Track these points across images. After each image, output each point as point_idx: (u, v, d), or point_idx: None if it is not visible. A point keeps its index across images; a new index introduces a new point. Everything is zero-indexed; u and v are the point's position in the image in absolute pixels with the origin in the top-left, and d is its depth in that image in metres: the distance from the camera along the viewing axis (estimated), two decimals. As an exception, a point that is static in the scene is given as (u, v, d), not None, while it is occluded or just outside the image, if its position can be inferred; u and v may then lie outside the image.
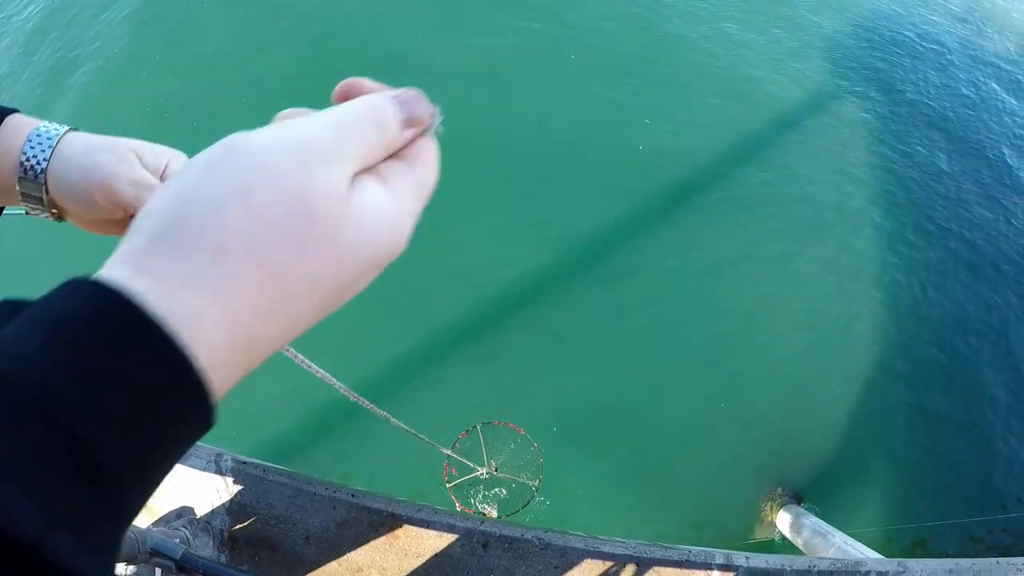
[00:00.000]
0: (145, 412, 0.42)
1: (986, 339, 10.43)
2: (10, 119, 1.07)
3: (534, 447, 7.11)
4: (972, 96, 13.99)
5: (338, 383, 2.34)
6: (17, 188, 1.08)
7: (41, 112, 1.13)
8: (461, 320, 9.37)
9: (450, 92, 11.46)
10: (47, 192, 1.08)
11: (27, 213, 1.14)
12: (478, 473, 6.25)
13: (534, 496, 6.58)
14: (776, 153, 11.83)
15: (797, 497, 8.65)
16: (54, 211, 1.12)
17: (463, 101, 11.39)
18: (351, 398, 2.47)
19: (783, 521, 8.30)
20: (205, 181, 0.49)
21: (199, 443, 3.36)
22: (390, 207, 0.56)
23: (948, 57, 14.83)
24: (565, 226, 10.27)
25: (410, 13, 12.73)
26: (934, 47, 14.93)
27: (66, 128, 1.11)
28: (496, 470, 6.70)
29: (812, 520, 7.95)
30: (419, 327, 9.19)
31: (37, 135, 1.08)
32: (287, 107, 0.63)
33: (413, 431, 3.06)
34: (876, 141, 12.58)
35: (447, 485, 6.30)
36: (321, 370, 2.15)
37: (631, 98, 12.03)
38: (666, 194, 10.87)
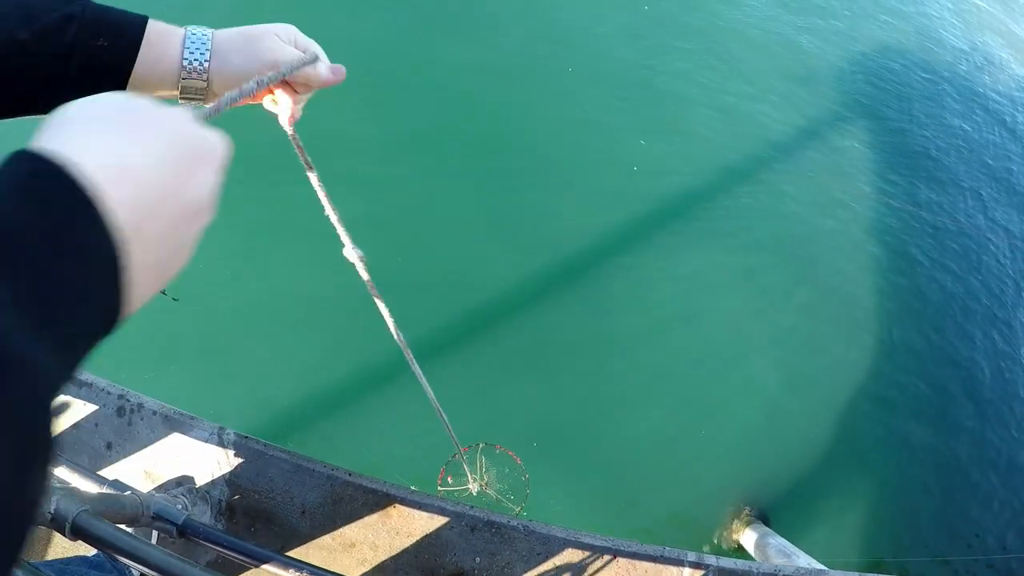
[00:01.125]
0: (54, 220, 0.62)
1: (964, 371, 10.69)
2: (151, 27, 1.25)
3: (525, 478, 7.33)
4: (967, 133, 14.34)
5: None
6: (179, 89, 1.28)
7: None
8: (444, 325, 9.44)
9: (444, 96, 11.61)
10: (209, 86, 1.29)
11: (180, 101, 1.34)
12: (470, 486, 6.40)
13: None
14: (767, 176, 12.06)
15: (763, 517, 8.75)
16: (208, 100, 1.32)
17: (455, 106, 11.52)
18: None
19: (748, 539, 8.40)
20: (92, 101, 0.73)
21: (202, 417, 3.48)
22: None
23: (951, 94, 15.18)
24: (550, 239, 10.35)
25: (405, 19, 12.80)
26: (935, 82, 15.28)
27: (211, 30, 1.33)
28: (486, 488, 6.92)
29: (778, 540, 8.07)
30: (403, 328, 9.24)
31: (191, 40, 1.28)
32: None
33: (447, 423, 3.23)
34: (868, 170, 12.85)
35: (439, 489, 6.50)
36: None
37: (628, 116, 12.20)
38: (651, 210, 11.01)
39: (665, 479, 8.85)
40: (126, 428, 3.52)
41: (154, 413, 3.54)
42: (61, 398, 3.57)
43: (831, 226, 11.72)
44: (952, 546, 9.24)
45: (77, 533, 2.09)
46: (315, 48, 1.40)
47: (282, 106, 1.45)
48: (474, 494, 6.73)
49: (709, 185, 11.63)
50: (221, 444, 3.45)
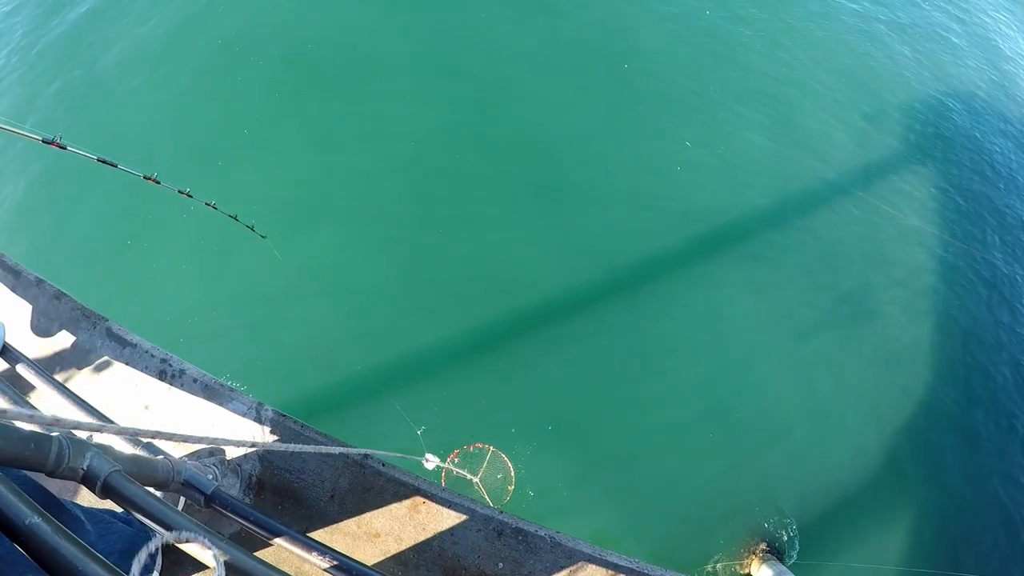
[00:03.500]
0: None
1: (994, 401, 10.47)
2: None
3: (510, 489, 7.85)
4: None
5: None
6: None
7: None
8: (481, 323, 9.50)
9: (489, 95, 11.68)
10: None
11: None
12: (470, 476, 7.47)
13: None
14: (810, 198, 11.96)
15: (778, 553, 8.62)
16: None
17: (501, 104, 11.60)
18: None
19: (763, 575, 8.29)
20: None
21: (242, 391, 3.46)
22: None
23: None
24: (589, 240, 10.42)
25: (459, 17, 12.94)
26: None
27: None
28: (480, 482, 7.53)
29: (794, 577, 7.95)
30: (439, 324, 9.36)
31: None
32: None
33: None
34: (918, 204, 12.71)
35: (444, 464, 6.88)
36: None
37: (676, 120, 12.21)
38: (690, 222, 11.01)
39: (682, 503, 8.81)
40: (166, 392, 3.51)
41: (195, 380, 3.54)
42: (104, 356, 3.59)
43: (869, 249, 11.60)
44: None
45: (107, 492, 2.07)
46: None
47: None
48: (469, 480, 7.55)
49: (750, 199, 11.61)
50: (258, 420, 3.43)
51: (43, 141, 3.50)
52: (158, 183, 4.08)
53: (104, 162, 3.76)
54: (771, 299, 10.52)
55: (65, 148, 3.55)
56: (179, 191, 4.23)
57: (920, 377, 10.45)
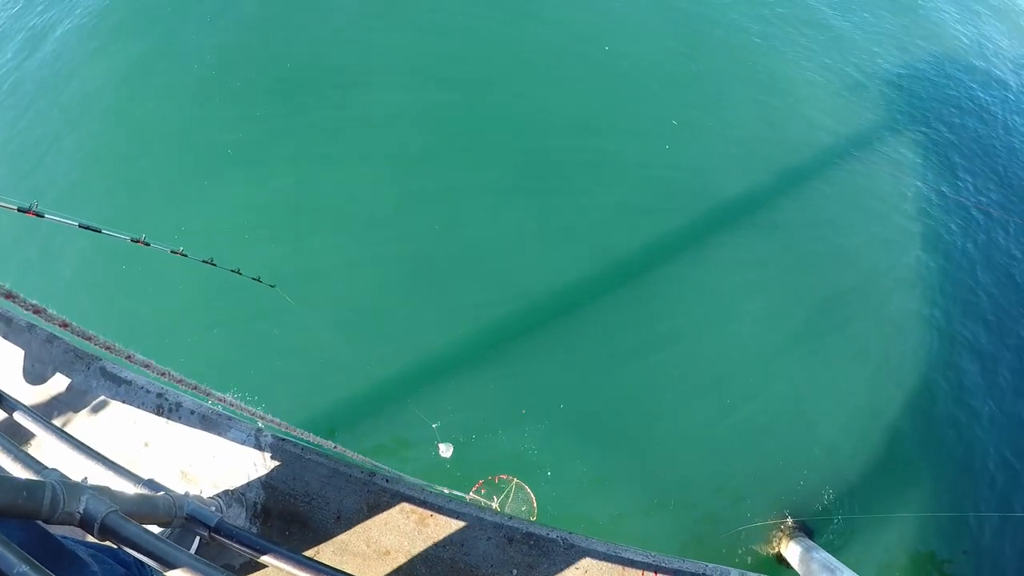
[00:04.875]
0: None
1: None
2: None
3: (532, 520, 7.71)
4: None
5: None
6: None
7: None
8: (483, 316, 9.52)
9: (472, 89, 11.71)
10: None
11: None
12: (494, 506, 7.14)
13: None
14: (804, 176, 11.95)
15: (808, 531, 8.58)
16: None
17: (485, 98, 11.62)
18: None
19: (792, 553, 8.25)
20: None
21: (240, 418, 3.44)
22: None
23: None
24: (583, 227, 10.44)
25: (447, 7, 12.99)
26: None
27: None
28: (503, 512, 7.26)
29: (822, 555, 7.89)
30: (443, 322, 9.39)
31: None
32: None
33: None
34: (912, 169, 12.70)
35: (471, 492, 7.34)
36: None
37: (663, 99, 12.25)
38: (690, 205, 11.02)
39: (710, 485, 8.79)
40: (164, 427, 3.49)
41: (192, 412, 3.52)
42: (100, 396, 3.56)
43: (874, 229, 11.57)
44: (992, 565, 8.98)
45: (106, 533, 2.05)
46: None
47: None
48: (491, 507, 7.26)
49: (742, 173, 11.63)
50: (258, 446, 3.41)
51: (19, 210, 3.43)
52: (147, 244, 4.00)
53: (86, 228, 3.69)
54: (774, 274, 10.51)
55: (43, 216, 3.48)
56: (172, 251, 4.16)
57: (931, 343, 10.42)
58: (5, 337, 3.85)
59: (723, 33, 13.81)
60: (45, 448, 3.40)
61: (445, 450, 7.60)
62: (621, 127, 11.73)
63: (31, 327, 3.89)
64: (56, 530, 3.05)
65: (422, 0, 12.94)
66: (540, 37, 12.71)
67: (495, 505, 7.68)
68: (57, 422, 3.59)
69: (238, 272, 4.85)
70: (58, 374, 3.72)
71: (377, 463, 3.41)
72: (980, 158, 13.40)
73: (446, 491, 4.26)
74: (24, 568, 1.41)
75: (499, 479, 8.03)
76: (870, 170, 12.30)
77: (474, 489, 7.85)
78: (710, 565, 3.59)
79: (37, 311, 2.54)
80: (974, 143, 13.69)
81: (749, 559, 8.42)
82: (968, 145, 13.59)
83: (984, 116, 14.43)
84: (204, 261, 4.31)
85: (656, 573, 3.44)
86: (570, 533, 3.39)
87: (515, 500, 7.89)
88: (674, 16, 13.73)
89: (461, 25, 12.65)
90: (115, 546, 2.56)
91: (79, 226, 3.57)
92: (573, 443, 8.57)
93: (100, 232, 3.69)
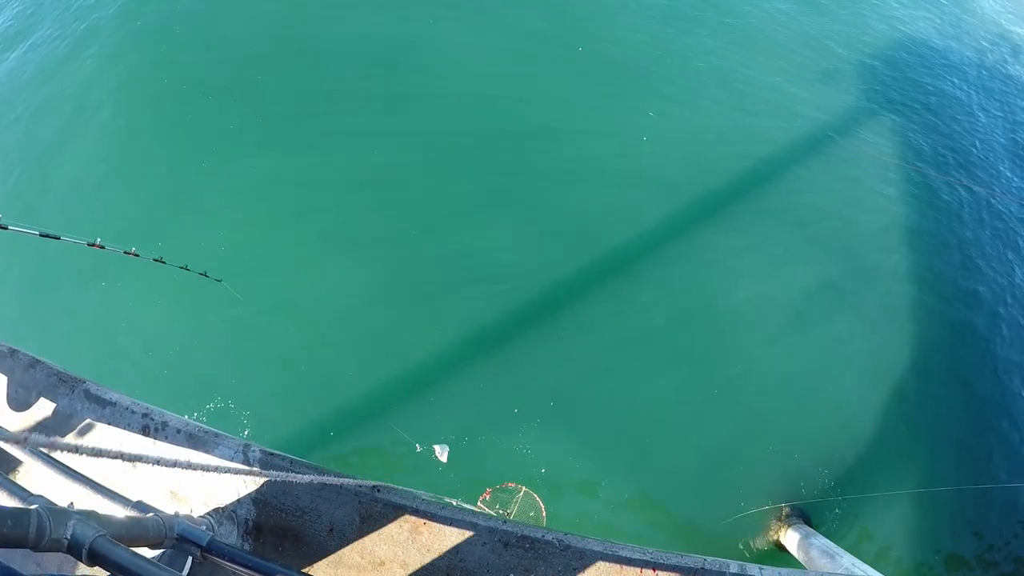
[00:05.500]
0: None
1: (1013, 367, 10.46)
2: None
3: (543, 515, 8.01)
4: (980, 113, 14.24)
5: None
6: None
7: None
8: (470, 317, 9.52)
9: (455, 91, 11.71)
10: None
11: None
12: (502, 513, 7.64)
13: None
14: (785, 162, 12.02)
15: (805, 517, 8.60)
16: None
17: (462, 102, 11.62)
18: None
19: (791, 540, 8.26)
20: None
21: (227, 434, 3.41)
22: None
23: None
24: (566, 223, 10.44)
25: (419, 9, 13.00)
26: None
27: None
28: (509, 517, 7.63)
29: (821, 540, 7.91)
30: (430, 326, 9.38)
31: None
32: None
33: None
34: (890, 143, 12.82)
35: (477, 505, 7.45)
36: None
37: (638, 93, 12.30)
38: (672, 196, 11.06)
39: (706, 476, 8.81)
40: (151, 447, 3.46)
41: (178, 431, 3.48)
42: (86, 418, 3.53)
43: (857, 211, 11.66)
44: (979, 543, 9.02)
45: (94, 559, 2.02)
46: None
47: None
48: (500, 514, 7.67)
49: (718, 162, 11.68)
50: (246, 462, 3.38)
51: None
52: (103, 248, 4.01)
53: (47, 236, 3.67)
54: (760, 261, 10.54)
55: (7, 228, 3.47)
56: (125, 252, 4.16)
57: (920, 322, 10.48)
58: (-13, 364, 3.81)
59: (697, 24, 13.85)
60: (32, 475, 3.37)
61: (441, 452, 7.61)
62: (599, 120, 11.74)
63: (13, 352, 3.85)
64: (46, 558, 3.02)
65: (390, 11, 12.89)
66: (514, 41, 12.71)
67: (505, 515, 7.73)
68: (44, 448, 3.55)
69: (185, 268, 4.85)
70: (42, 399, 3.68)
71: (363, 480, 3.38)
72: (959, 136, 13.52)
73: (455, 503, 4.26)
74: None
75: (507, 487, 8.04)
76: (851, 154, 12.36)
77: (482, 498, 7.86)
78: (708, 559, 3.59)
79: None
80: (951, 121, 13.82)
81: (749, 550, 8.44)
82: (946, 123, 13.71)
83: (958, 95, 14.56)
84: (155, 260, 4.31)
85: (655, 570, 3.43)
86: (566, 534, 3.38)
87: (523, 507, 7.91)
88: (646, 11, 13.76)
89: (431, 37, 12.65)
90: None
91: (40, 235, 3.57)
92: (565, 440, 8.59)
93: (60, 239, 3.68)
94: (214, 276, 5.32)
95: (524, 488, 7.99)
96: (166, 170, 10.55)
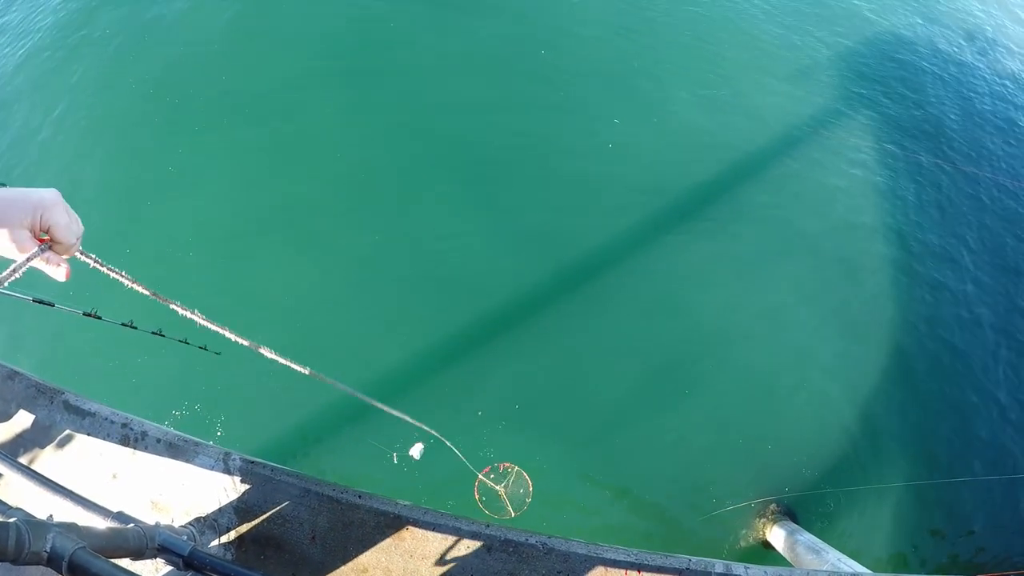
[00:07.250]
0: None
1: (996, 360, 10.53)
2: None
3: (527, 501, 8.42)
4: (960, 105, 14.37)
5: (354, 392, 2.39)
6: None
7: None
8: (441, 324, 9.55)
9: (414, 100, 11.70)
10: None
11: None
12: (498, 487, 8.34)
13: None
14: (754, 163, 12.09)
15: (791, 514, 8.65)
16: None
17: (426, 108, 11.64)
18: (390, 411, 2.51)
19: (776, 537, 8.31)
20: None
21: (207, 442, 3.39)
22: None
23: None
24: (535, 231, 10.49)
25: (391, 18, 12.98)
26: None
27: None
28: (504, 492, 8.35)
29: (807, 536, 7.96)
30: (403, 333, 9.40)
31: None
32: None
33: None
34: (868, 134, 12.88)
35: (479, 475, 8.20)
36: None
37: (603, 99, 12.29)
38: (641, 200, 11.11)
39: (689, 475, 8.88)
40: (130, 457, 3.44)
41: (158, 441, 3.46)
42: (65, 430, 3.50)
43: (836, 207, 11.73)
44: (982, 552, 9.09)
45: (74, 572, 2.01)
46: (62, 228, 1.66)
47: (52, 272, 1.71)
48: (497, 490, 8.33)
49: (693, 170, 11.75)
50: (227, 471, 3.36)
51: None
52: (99, 318, 3.94)
53: (40, 302, 3.61)
54: (727, 258, 10.62)
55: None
56: (122, 324, 4.12)
57: (904, 311, 10.56)
58: (-35, 377, 3.78)
59: (660, 28, 13.91)
60: (12, 487, 3.34)
61: (415, 450, 7.86)
62: (562, 129, 11.78)
63: (-9, 365, 3.82)
64: (27, 571, 3.00)
65: (350, 16, 12.90)
66: (473, 47, 12.73)
67: (500, 488, 8.32)
68: (23, 460, 3.52)
69: (185, 342, 4.72)
70: (22, 411, 3.65)
71: (346, 487, 3.38)
72: (938, 119, 13.69)
73: (426, 508, 4.25)
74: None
75: (504, 467, 8.57)
76: (824, 150, 12.46)
77: (483, 473, 8.38)
78: (693, 559, 3.59)
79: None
80: (927, 105, 13.97)
81: (736, 548, 8.47)
82: (921, 107, 13.87)
83: (930, 85, 14.71)
84: (154, 333, 4.24)
85: (639, 572, 3.44)
86: (549, 537, 3.38)
87: (516, 483, 8.47)
88: (608, 17, 13.82)
89: (390, 32, 12.66)
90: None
91: (33, 300, 3.51)
92: (537, 443, 8.73)
93: (54, 307, 3.62)
94: (213, 349, 5.27)
95: (516, 467, 8.56)
96: (122, 176, 10.57)
